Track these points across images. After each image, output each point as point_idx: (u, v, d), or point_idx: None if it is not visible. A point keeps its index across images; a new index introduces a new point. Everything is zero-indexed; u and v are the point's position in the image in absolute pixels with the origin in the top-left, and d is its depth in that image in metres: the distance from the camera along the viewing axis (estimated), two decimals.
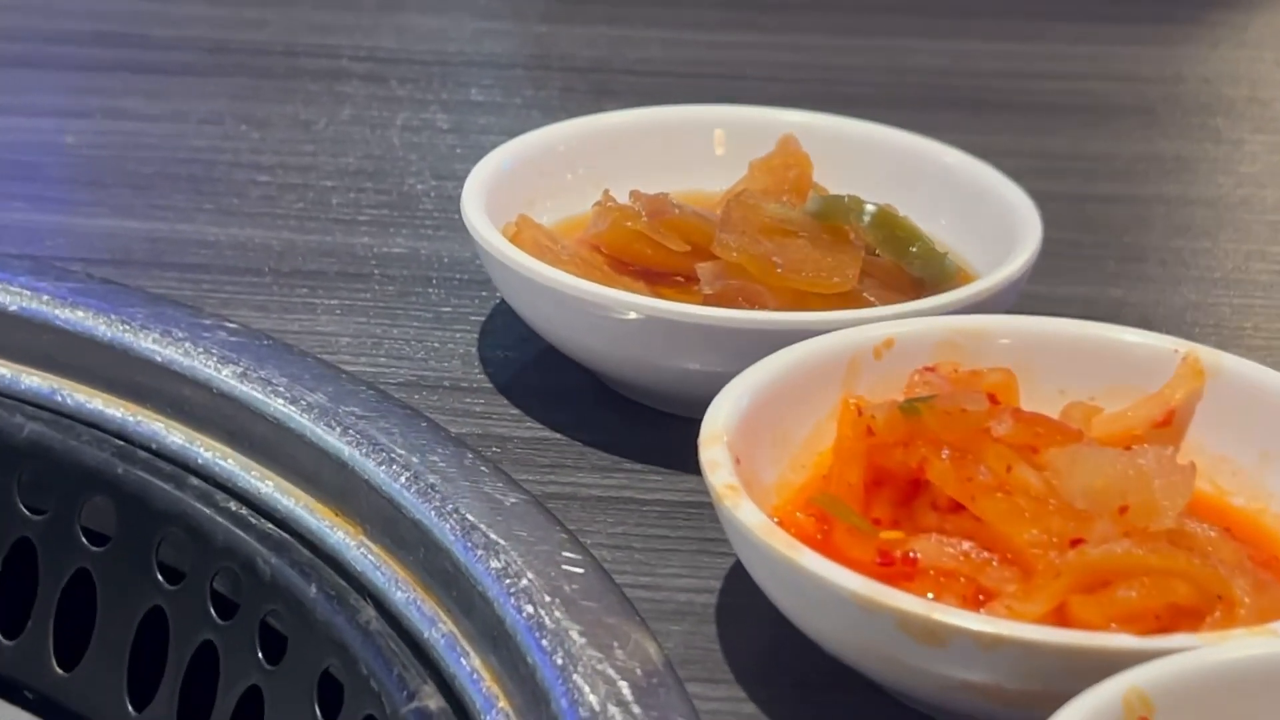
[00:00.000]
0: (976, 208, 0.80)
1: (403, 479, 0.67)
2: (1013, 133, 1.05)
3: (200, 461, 0.73)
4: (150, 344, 0.75)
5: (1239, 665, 0.50)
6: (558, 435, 0.72)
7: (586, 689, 0.57)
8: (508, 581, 0.62)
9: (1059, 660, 0.51)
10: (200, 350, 0.74)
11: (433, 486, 0.66)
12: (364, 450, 0.69)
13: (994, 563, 0.58)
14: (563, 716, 0.56)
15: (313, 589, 0.67)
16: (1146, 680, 0.49)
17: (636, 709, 0.56)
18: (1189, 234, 0.94)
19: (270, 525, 0.70)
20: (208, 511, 0.71)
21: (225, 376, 0.73)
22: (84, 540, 0.76)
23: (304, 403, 0.71)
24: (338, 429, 0.70)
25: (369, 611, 0.65)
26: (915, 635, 0.53)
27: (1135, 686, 0.49)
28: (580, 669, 0.58)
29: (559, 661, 0.58)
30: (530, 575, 0.62)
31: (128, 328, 0.76)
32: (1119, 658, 0.50)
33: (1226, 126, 1.09)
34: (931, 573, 0.57)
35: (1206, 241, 0.93)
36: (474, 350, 0.78)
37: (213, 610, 0.71)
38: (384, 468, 0.68)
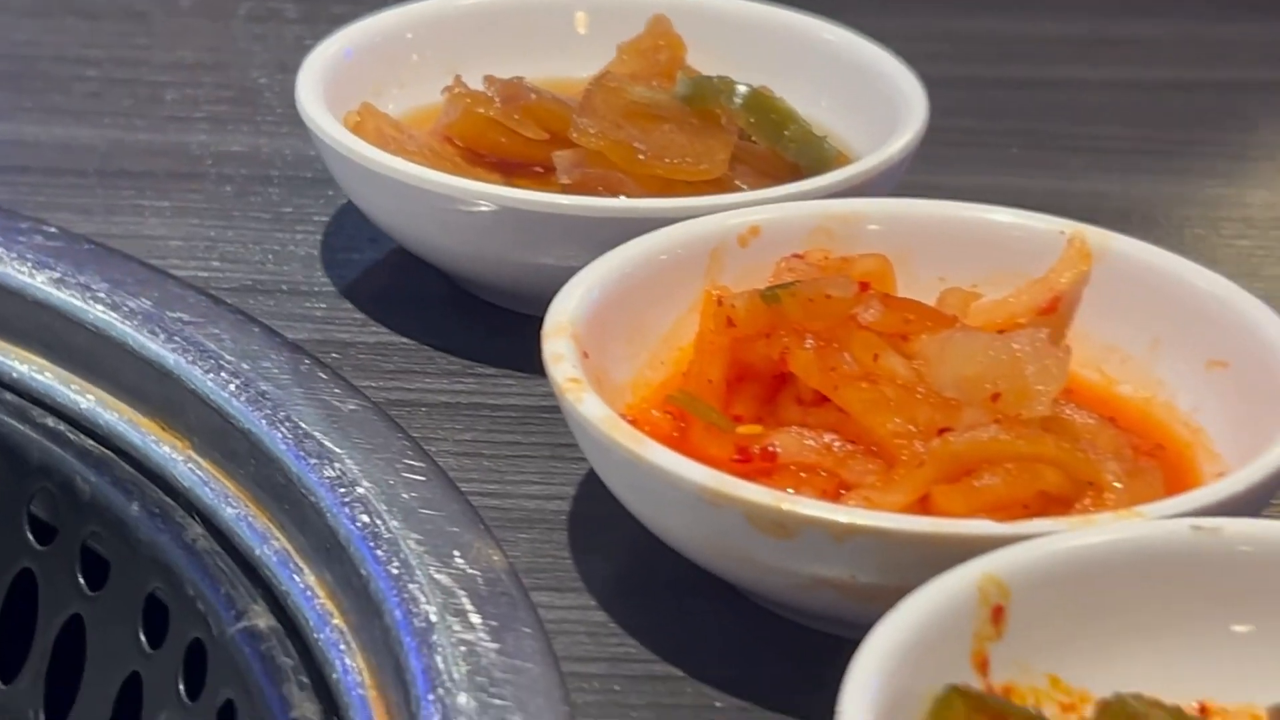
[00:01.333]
0: (861, 90, 0.83)
1: (231, 387, 0.69)
2: (920, 15, 1.08)
3: (15, 376, 0.75)
4: None
5: (1099, 549, 0.54)
6: (405, 340, 0.75)
7: (422, 599, 0.60)
8: (342, 491, 0.64)
9: (914, 550, 0.54)
10: (14, 256, 0.76)
11: (264, 394, 0.69)
12: (190, 358, 0.71)
13: (856, 455, 0.61)
14: (396, 628, 0.59)
15: (135, 507, 0.69)
16: (1002, 566, 0.52)
17: (476, 619, 0.59)
18: (1099, 119, 0.97)
19: (90, 442, 0.72)
20: (22, 428, 0.73)
21: (40, 283, 0.75)
22: None
23: (126, 309, 0.73)
24: (162, 336, 0.72)
25: (196, 529, 0.67)
26: (764, 528, 0.55)
27: (990, 573, 0.52)
28: (416, 579, 0.60)
29: (394, 571, 0.61)
30: (366, 484, 0.64)
31: None
32: (977, 545, 0.53)
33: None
34: (791, 468, 0.60)
35: (1117, 126, 0.96)
36: (316, 253, 0.81)
37: (30, 535, 0.73)
38: (211, 376, 0.70)
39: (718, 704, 0.58)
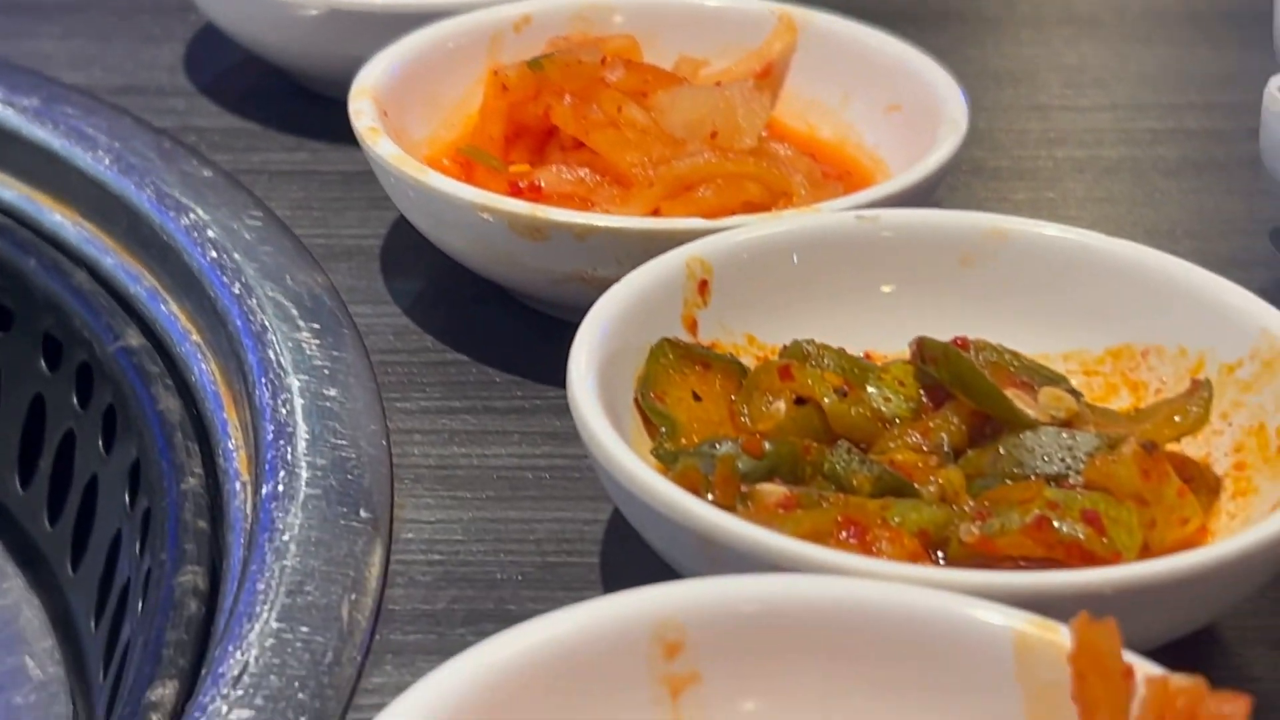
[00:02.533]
0: None
1: (106, 162, 0.71)
2: None
3: None
4: None
5: (785, 234, 0.58)
6: (252, 125, 0.78)
7: (259, 311, 0.63)
8: (195, 235, 0.67)
9: (638, 242, 0.57)
10: None
11: (133, 166, 0.71)
12: (73, 142, 0.73)
13: (604, 185, 0.64)
14: (239, 334, 0.62)
15: (31, 262, 0.71)
16: (705, 249, 0.56)
17: (301, 323, 0.62)
18: None
19: None
20: None
21: None
22: None
23: (19, 105, 0.76)
24: (49, 126, 0.74)
25: (81, 275, 0.70)
26: (522, 233, 0.59)
27: (696, 255, 0.56)
28: (255, 296, 0.63)
29: (236, 292, 0.64)
30: (215, 229, 0.67)
31: None
32: (688, 236, 0.57)
33: None
34: (554, 197, 0.63)
35: None
36: (179, 63, 0.83)
37: None
38: (90, 154, 0.72)
39: (496, 380, 0.61)
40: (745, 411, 0.54)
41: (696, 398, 0.54)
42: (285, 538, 0.53)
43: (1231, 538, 0.46)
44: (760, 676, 0.43)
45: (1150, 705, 0.40)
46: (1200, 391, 0.53)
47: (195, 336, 0.65)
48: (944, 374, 0.53)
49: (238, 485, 0.58)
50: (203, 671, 0.50)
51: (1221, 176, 0.75)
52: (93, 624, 0.64)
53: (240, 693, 0.47)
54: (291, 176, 0.74)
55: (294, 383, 0.59)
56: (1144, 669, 0.40)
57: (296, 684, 0.48)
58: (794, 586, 0.43)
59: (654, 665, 0.42)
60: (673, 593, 0.43)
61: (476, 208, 0.59)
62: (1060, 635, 0.41)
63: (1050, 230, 0.58)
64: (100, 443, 0.66)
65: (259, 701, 0.47)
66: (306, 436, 0.57)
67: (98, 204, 0.72)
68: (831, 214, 0.59)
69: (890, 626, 0.43)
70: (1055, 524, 0.48)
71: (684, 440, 0.52)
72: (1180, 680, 0.40)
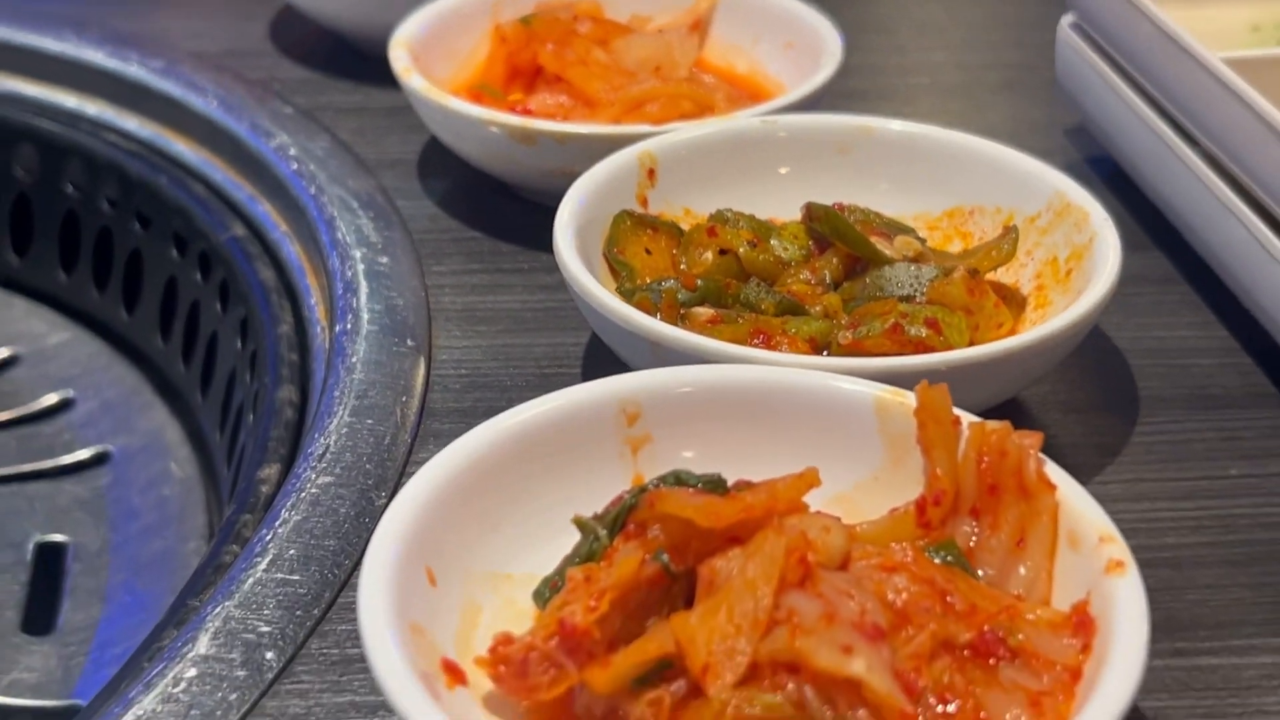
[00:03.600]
0: None
1: (214, 104, 0.71)
2: None
3: (127, 128, 0.74)
4: None
5: (708, 134, 0.58)
6: (319, 75, 0.76)
7: (328, 205, 0.63)
8: (281, 153, 0.67)
9: (604, 144, 0.57)
10: (106, 52, 0.77)
11: (234, 107, 0.71)
12: (189, 91, 0.72)
13: (578, 107, 0.64)
14: (315, 222, 0.62)
15: (163, 179, 0.70)
16: (653, 145, 0.56)
17: (360, 213, 0.62)
18: None
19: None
20: (129, 159, 0.73)
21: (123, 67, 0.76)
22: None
23: (150, 66, 0.75)
24: (172, 80, 0.73)
25: (199, 187, 0.69)
26: (519, 140, 0.59)
27: (645, 150, 0.56)
28: (325, 195, 0.63)
29: (312, 192, 0.64)
30: (295, 149, 0.67)
31: None
32: (640, 137, 0.57)
33: None
34: (541, 115, 0.63)
35: None
36: (266, 32, 0.82)
37: (136, 223, 0.73)
38: (202, 99, 0.72)
39: (503, 249, 0.62)
40: (683, 260, 0.54)
41: (648, 252, 0.54)
42: (353, 360, 0.53)
43: (1029, 330, 0.48)
44: (695, 435, 0.44)
45: (971, 442, 0.41)
46: (1010, 235, 0.54)
47: (283, 227, 0.65)
48: (826, 228, 0.54)
49: (318, 329, 0.59)
50: (296, 455, 0.51)
51: (1029, 93, 0.75)
52: (217, 435, 0.64)
53: (324, 466, 0.48)
54: (349, 112, 0.73)
55: (356, 254, 0.59)
56: (967, 418, 0.42)
57: (364, 459, 0.49)
58: (719, 372, 0.44)
59: (619, 430, 0.44)
60: (633, 379, 0.44)
61: (485, 122, 0.60)
62: (908, 399, 0.43)
63: (902, 126, 0.58)
64: (218, 306, 0.66)
65: (337, 471, 0.48)
66: (366, 290, 0.57)
67: (209, 135, 0.71)
68: (743, 119, 0.59)
69: (787, 397, 0.44)
70: (906, 328, 0.49)
71: (639, 281, 0.52)
72: (993, 424, 0.41)
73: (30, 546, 0.62)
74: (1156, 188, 0.61)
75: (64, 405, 0.70)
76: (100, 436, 0.68)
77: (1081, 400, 0.52)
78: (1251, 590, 0.44)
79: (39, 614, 0.59)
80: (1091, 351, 0.54)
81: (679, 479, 0.41)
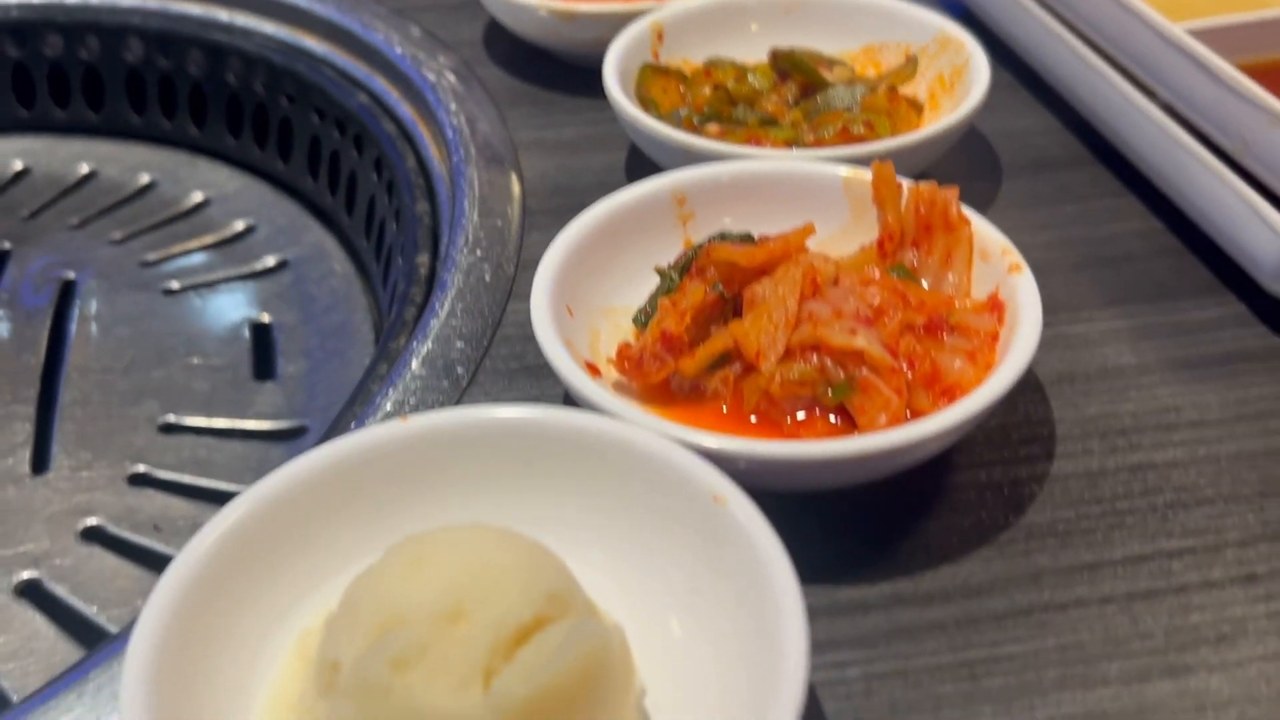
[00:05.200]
0: None
1: (384, 39, 0.66)
2: None
3: (304, 46, 0.70)
4: None
5: (704, 5, 0.57)
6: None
7: (429, 75, 0.62)
8: (422, 73, 0.63)
9: (623, 17, 0.56)
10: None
11: (396, 46, 0.66)
12: (371, 30, 0.67)
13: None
14: (436, 110, 0.59)
15: (338, 89, 0.66)
16: (661, 16, 0.56)
17: (464, 93, 0.61)
18: None
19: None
20: (308, 70, 0.68)
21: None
22: None
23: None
24: (357, 24, 0.70)
25: (363, 96, 0.65)
26: (562, 19, 0.58)
27: (655, 20, 0.56)
28: (441, 90, 0.61)
29: (413, 65, 0.63)
30: (428, 72, 0.63)
31: None
32: (648, 11, 0.57)
33: None
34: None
35: None
36: None
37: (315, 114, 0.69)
38: (381, 36, 0.66)
39: (557, 99, 0.60)
40: (689, 95, 0.54)
41: (664, 91, 0.55)
42: (471, 182, 0.54)
43: (933, 124, 0.49)
44: (726, 210, 0.45)
45: (910, 197, 0.43)
46: (910, 62, 0.54)
47: (395, 94, 0.64)
48: (788, 64, 0.54)
49: (434, 163, 0.58)
50: (438, 246, 0.52)
51: None
52: (364, 242, 0.64)
53: (466, 249, 0.49)
54: (427, 9, 0.69)
55: (452, 105, 0.59)
56: (906, 182, 0.43)
57: (493, 242, 0.50)
58: (737, 165, 0.45)
59: (673, 210, 0.45)
60: (679, 174, 0.45)
61: (536, 6, 0.59)
62: (865, 173, 0.44)
63: None
64: (354, 153, 0.65)
65: (478, 252, 0.49)
66: (473, 140, 0.57)
67: (330, 32, 0.69)
68: None
69: (786, 178, 0.45)
70: (850, 128, 0.50)
71: (662, 111, 0.53)
72: (925, 185, 0.43)
73: (246, 325, 0.63)
74: (1003, 26, 0.62)
75: (249, 230, 0.70)
76: (279, 249, 0.68)
77: (968, 170, 0.54)
78: (1089, 285, 0.47)
79: (263, 368, 0.60)
80: (973, 137, 0.56)
81: (724, 236, 0.43)
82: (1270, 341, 0.43)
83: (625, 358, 0.39)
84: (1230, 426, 0.40)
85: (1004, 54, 0.62)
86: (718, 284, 0.41)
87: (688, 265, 0.42)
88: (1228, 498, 0.38)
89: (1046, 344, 0.44)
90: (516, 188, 0.55)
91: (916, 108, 0.53)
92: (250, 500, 0.31)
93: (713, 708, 0.29)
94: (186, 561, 0.30)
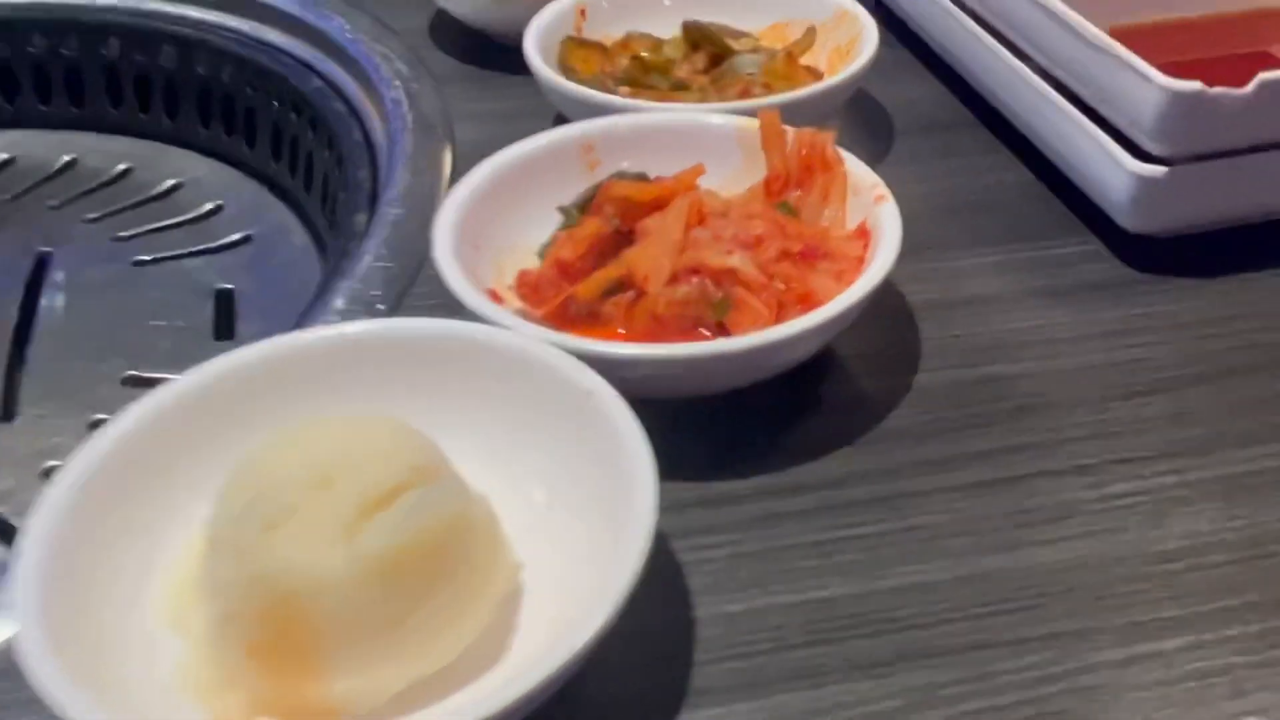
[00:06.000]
0: None
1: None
2: None
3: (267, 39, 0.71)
4: None
5: None
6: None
7: (376, 59, 0.64)
8: (361, 47, 0.66)
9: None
10: None
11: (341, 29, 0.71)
12: (324, 20, 0.69)
13: None
14: (378, 86, 0.61)
15: (295, 75, 0.67)
16: None
17: (406, 72, 0.62)
18: None
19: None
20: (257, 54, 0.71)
21: None
22: None
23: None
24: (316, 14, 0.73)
25: (317, 80, 0.66)
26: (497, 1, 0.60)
27: (577, 1, 0.58)
28: (373, 51, 0.64)
29: (363, 50, 0.65)
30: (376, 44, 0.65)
31: None
32: None
33: None
34: None
35: None
36: None
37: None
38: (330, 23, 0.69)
39: (490, 76, 0.61)
40: (609, 65, 0.55)
41: (585, 61, 0.56)
42: (405, 149, 0.55)
43: (830, 79, 0.51)
44: (631, 156, 0.45)
45: (794, 142, 0.44)
46: (809, 34, 0.56)
47: (344, 74, 0.65)
48: (697, 36, 0.56)
49: (379, 134, 0.59)
50: (375, 204, 0.54)
51: None
52: (321, 219, 0.65)
53: (395, 203, 0.51)
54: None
55: (397, 84, 0.61)
56: (791, 130, 0.45)
57: (421, 200, 0.51)
58: (639, 116, 0.47)
59: (579, 155, 0.45)
60: (587, 124, 0.46)
61: None
62: (755, 122, 0.45)
63: None
64: (310, 134, 0.66)
65: (406, 207, 0.51)
66: (406, 104, 0.59)
67: (291, 25, 0.70)
68: None
69: (685, 128, 0.46)
70: (753, 89, 0.52)
71: (582, 79, 0.53)
72: (806, 130, 0.45)
73: (209, 292, 0.65)
74: (900, 5, 0.64)
75: (217, 209, 0.71)
76: (244, 226, 0.70)
77: (864, 133, 0.56)
78: (960, 227, 0.49)
79: (223, 329, 0.62)
80: (871, 106, 0.58)
81: (621, 175, 0.45)
82: (1121, 271, 0.45)
83: (524, 283, 0.41)
84: (1078, 344, 0.42)
85: (903, 31, 0.64)
86: (614, 218, 0.42)
87: (587, 202, 0.44)
88: (1070, 403, 0.40)
89: (919, 277, 0.46)
90: (448, 153, 0.56)
91: (816, 75, 0.55)
92: (143, 408, 0.32)
93: (576, 562, 0.30)
94: (80, 466, 0.30)
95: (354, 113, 0.63)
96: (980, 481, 0.37)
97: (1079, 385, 0.40)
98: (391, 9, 0.70)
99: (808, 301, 0.40)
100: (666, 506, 0.30)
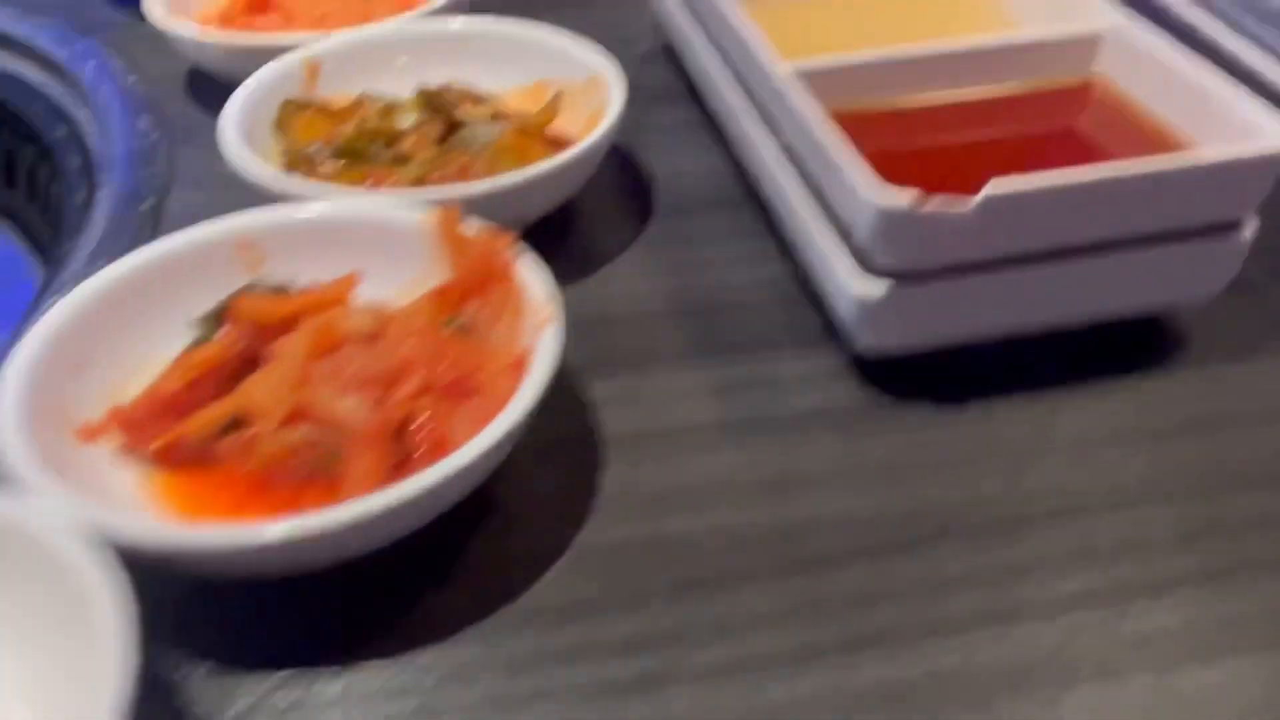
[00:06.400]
0: None
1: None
2: None
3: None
4: None
5: (357, 39, 0.53)
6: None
7: (120, 98, 0.57)
8: (97, 76, 0.60)
9: (277, 51, 0.52)
10: None
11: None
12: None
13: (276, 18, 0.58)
14: (109, 119, 0.56)
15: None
16: (316, 51, 0.52)
17: (136, 114, 0.57)
18: None
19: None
20: None
21: None
22: None
23: None
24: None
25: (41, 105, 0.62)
26: (221, 51, 0.53)
27: (306, 57, 0.52)
28: (118, 90, 0.58)
29: (103, 90, 0.58)
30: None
31: None
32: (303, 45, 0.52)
33: None
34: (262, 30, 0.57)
35: None
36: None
37: None
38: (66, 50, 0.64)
39: None
40: (332, 131, 0.49)
41: (309, 126, 0.49)
42: (111, 187, 0.49)
43: (539, 164, 0.44)
44: (304, 255, 0.40)
45: (474, 246, 0.39)
46: (554, 102, 0.50)
47: (86, 113, 0.59)
48: (429, 103, 0.50)
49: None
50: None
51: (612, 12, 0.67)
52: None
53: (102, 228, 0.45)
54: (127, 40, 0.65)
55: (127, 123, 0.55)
56: (476, 229, 0.38)
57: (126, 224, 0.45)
58: (314, 209, 0.40)
59: (233, 253, 0.39)
60: (246, 216, 0.40)
61: (198, 41, 0.54)
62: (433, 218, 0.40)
63: (505, 26, 0.54)
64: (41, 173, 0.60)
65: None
66: (123, 155, 0.53)
67: (46, 65, 0.64)
68: (378, 28, 0.54)
69: (362, 222, 0.40)
70: (470, 168, 0.45)
71: (297, 147, 0.48)
72: (484, 232, 0.39)
73: None
74: (686, 63, 0.57)
75: None
76: None
77: (623, 211, 0.49)
78: (691, 335, 0.43)
79: None
80: (644, 177, 0.51)
81: (252, 286, 0.38)
82: (859, 395, 0.39)
83: (116, 418, 0.35)
84: (774, 495, 0.36)
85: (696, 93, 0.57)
86: (241, 340, 0.36)
87: (217, 316, 0.37)
88: (739, 577, 0.33)
89: (625, 399, 0.39)
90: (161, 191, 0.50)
91: (559, 147, 0.49)
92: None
93: None
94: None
95: (83, 152, 0.56)
96: (607, 683, 0.31)
97: (759, 553, 0.34)
98: (155, 53, 0.63)
99: (442, 449, 0.33)
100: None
